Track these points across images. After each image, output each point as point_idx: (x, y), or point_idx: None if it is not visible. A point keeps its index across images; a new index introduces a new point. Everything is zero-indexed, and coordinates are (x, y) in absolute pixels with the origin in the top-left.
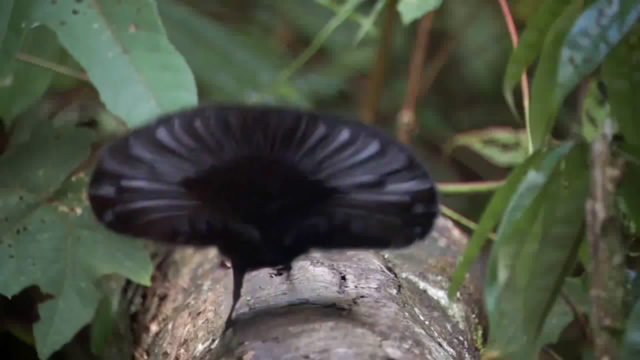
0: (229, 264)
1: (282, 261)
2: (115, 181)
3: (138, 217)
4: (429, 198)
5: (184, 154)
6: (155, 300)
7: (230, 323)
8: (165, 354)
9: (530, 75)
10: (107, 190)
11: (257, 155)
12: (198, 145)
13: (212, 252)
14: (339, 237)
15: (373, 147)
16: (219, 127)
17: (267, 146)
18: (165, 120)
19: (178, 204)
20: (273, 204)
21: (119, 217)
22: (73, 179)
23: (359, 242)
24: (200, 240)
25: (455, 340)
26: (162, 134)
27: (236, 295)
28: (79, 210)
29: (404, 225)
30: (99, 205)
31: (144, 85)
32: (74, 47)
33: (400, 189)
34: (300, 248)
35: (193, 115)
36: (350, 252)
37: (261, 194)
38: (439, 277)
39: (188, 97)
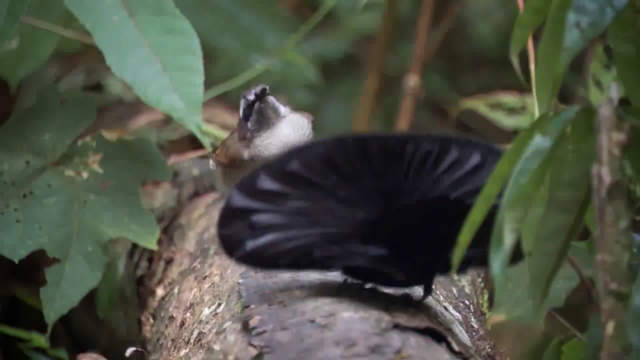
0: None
1: (418, 283)
2: (246, 216)
3: (268, 250)
4: None
5: (320, 183)
6: (162, 264)
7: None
8: (171, 317)
9: (536, 39)
10: (238, 227)
11: (394, 186)
12: (334, 175)
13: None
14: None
15: None
16: (357, 157)
17: (402, 173)
18: (296, 152)
19: (310, 232)
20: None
21: (251, 252)
22: (79, 143)
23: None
24: (331, 264)
25: (461, 304)
26: (294, 165)
27: None
28: (85, 174)
29: None
30: (230, 243)
31: (150, 49)
32: (80, 10)
33: None
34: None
35: (328, 145)
36: None
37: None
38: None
39: (193, 61)
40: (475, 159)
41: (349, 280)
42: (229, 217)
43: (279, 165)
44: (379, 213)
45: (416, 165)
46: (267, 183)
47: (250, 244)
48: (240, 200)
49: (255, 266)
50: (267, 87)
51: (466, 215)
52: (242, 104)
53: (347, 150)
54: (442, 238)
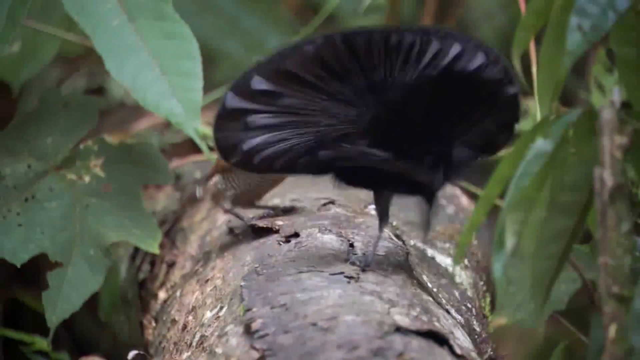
0: (237, 231)
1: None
2: (242, 118)
3: (264, 151)
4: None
5: (312, 81)
6: (164, 267)
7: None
8: (174, 320)
9: (538, 42)
10: (234, 129)
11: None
12: (325, 73)
13: (221, 220)
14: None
15: (480, 58)
16: (345, 53)
17: (389, 67)
18: (287, 52)
19: (305, 131)
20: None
21: (246, 154)
22: (81, 146)
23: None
24: (326, 167)
25: (464, 307)
26: (286, 64)
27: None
28: (87, 178)
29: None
30: (227, 145)
31: (149, 54)
32: (80, 15)
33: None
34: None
35: (320, 43)
36: (359, 220)
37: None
38: (447, 245)
39: (192, 66)
40: (455, 48)
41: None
42: (225, 119)
43: (271, 65)
44: (371, 109)
45: (402, 58)
46: (260, 83)
47: (246, 145)
48: (235, 102)
49: (252, 169)
50: None
51: (456, 94)
52: None
53: (335, 46)
54: (437, 130)
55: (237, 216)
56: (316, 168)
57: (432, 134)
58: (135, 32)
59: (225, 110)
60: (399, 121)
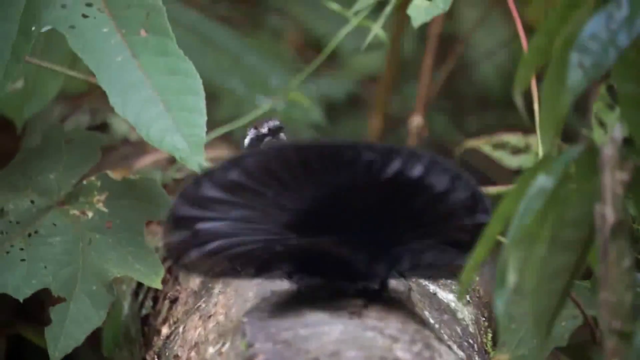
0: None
1: (376, 277)
2: (191, 225)
3: (214, 256)
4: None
5: (262, 192)
6: (166, 303)
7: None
8: (176, 356)
9: (540, 79)
10: (183, 235)
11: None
12: (275, 184)
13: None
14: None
15: (444, 182)
16: (297, 165)
17: (345, 183)
18: (238, 161)
19: (255, 238)
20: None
21: (196, 259)
22: (84, 182)
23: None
24: (278, 267)
25: (465, 344)
26: (235, 174)
27: None
28: (90, 214)
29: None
30: (175, 251)
31: (153, 90)
32: (84, 51)
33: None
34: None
35: (269, 155)
36: None
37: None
38: (449, 281)
39: (196, 102)
40: (418, 169)
41: (300, 282)
42: (174, 225)
43: (220, 174)
44: (322, 212)
45: (359, 174)
46: (210, 191)
47: (196, 252)
48: (185, 209)
49: (201, 274)
50: (283, 124)
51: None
52: (251, 134)
53: (287, 159)
54: (384, 226)
55: None
56: (267, 270)
57: (378, 228)
58: (139, 68)
59: (175, 217)
60: (352, 214)
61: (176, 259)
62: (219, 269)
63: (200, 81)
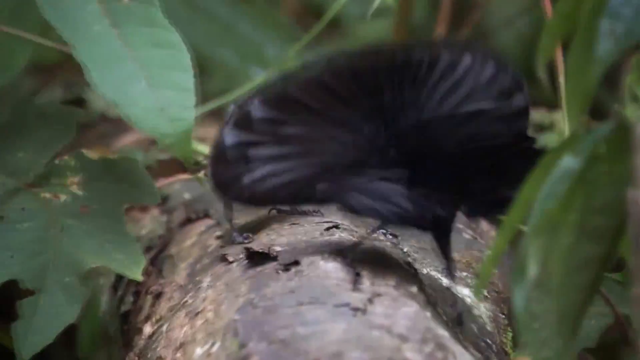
0: (230, 259)
1: (428, 219)
2: (242, 151)
3: (265, 183)
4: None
5: (316, 107)
6: (149, 298)
7: None
8: (160, 358)
9: (565, 49)
10: (233, 163)
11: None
12: (330, 97)
13: (213, 245)
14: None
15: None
16: (349, 75)
17: (397, 87)
18: (291, 76)
19: (310, 161)
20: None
21: (247, 187)
22: (57, 162)
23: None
24: (331, 198)
25: (482, 343)
26: (288, 89)
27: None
28: (63, 197)
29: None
30: (225, 181)
31: (134, 64)
32: (56, 18)
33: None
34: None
35: (322, 66)
36: (368, 245)
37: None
38: (464, 273)
39: (184, 79)
40: (466, 61)
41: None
42: (223, 154)
43: (272, 91)
44: (379, 136)
45: (410, 77)
46: (261, 111)
47: (247, 178)
48: (235, 136)
49: (251, 203)
50: None
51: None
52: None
53: (339, 69)
54: (452, 160)
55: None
56: (320, 199)
57: (447, 164)
58: (119, 39)
59: (225, 146)
60: (411, 147)
61: (225, 190)
62: (268, 198)
63: (189, 55)
